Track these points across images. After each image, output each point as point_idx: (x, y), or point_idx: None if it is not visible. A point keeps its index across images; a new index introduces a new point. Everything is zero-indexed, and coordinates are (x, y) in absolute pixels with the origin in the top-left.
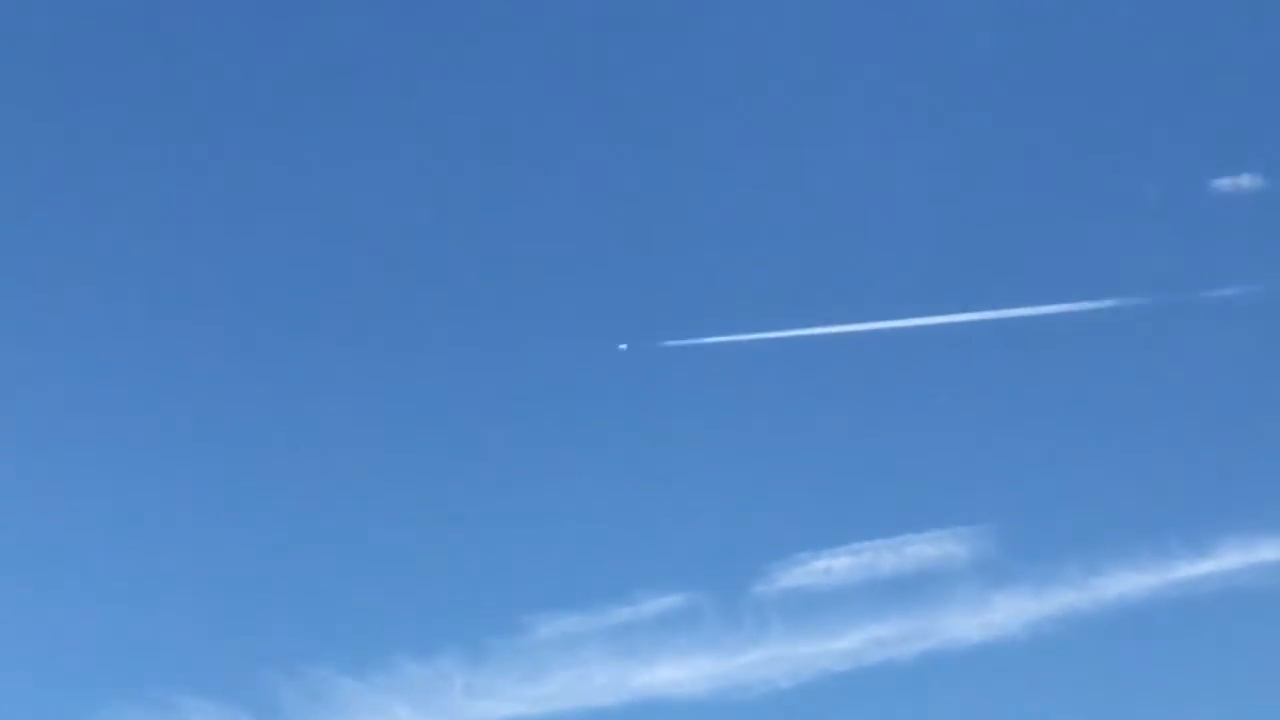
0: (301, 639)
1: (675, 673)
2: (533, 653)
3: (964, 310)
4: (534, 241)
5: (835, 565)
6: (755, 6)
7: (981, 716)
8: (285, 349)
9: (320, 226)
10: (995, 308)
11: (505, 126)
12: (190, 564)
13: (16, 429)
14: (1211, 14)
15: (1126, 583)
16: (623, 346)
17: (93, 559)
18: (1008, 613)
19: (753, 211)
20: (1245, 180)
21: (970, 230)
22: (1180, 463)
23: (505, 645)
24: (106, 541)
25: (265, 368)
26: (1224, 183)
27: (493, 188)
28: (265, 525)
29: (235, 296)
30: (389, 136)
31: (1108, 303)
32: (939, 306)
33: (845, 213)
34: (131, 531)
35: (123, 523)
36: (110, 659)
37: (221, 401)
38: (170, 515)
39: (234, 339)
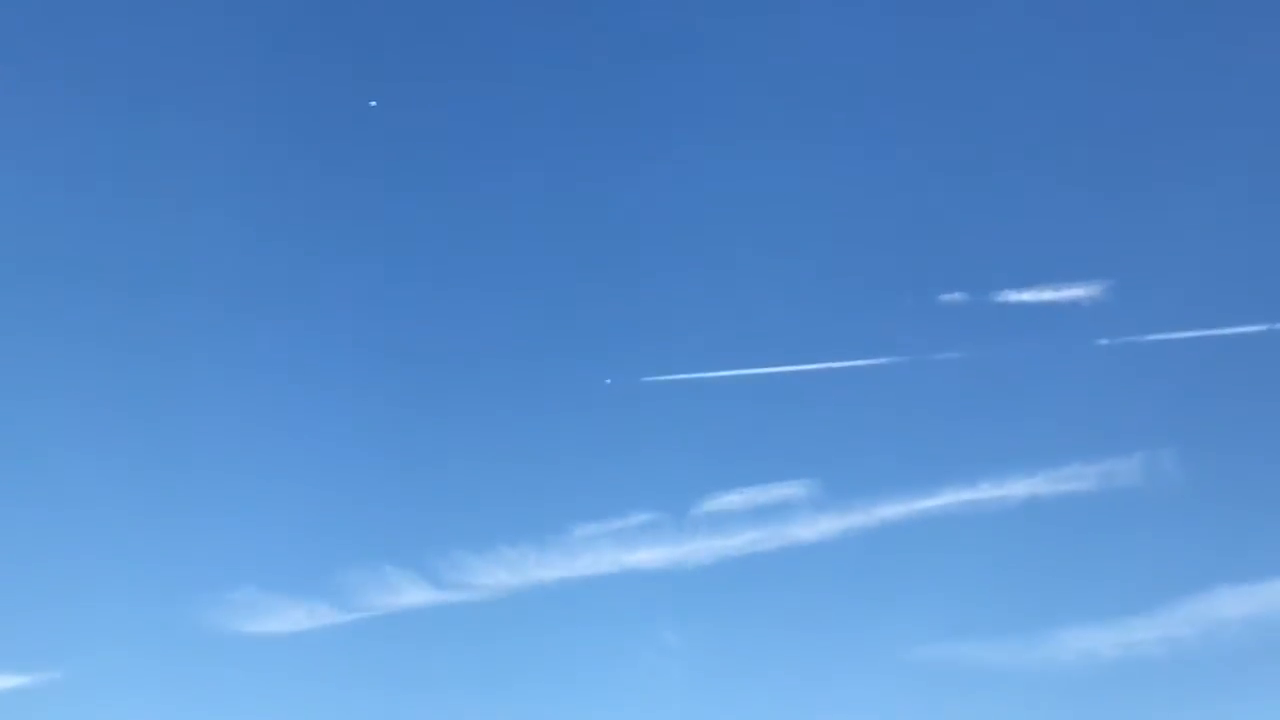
0: (442, 532)
1: (648, 555)
2: (572, 543)
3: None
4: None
5: (734, 498)
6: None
7: (810, 582)
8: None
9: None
10: (839, 360)
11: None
12: (379, 481)
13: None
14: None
15: (892, 510)
16: (608, 381)
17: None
18: (828, 526)
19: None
20: (959, 296)
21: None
22: (922, 441)
23: (558, 539)
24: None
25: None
26: (949, 297)
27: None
28: (426, 458)
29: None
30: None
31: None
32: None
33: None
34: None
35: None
36: (334, 534)
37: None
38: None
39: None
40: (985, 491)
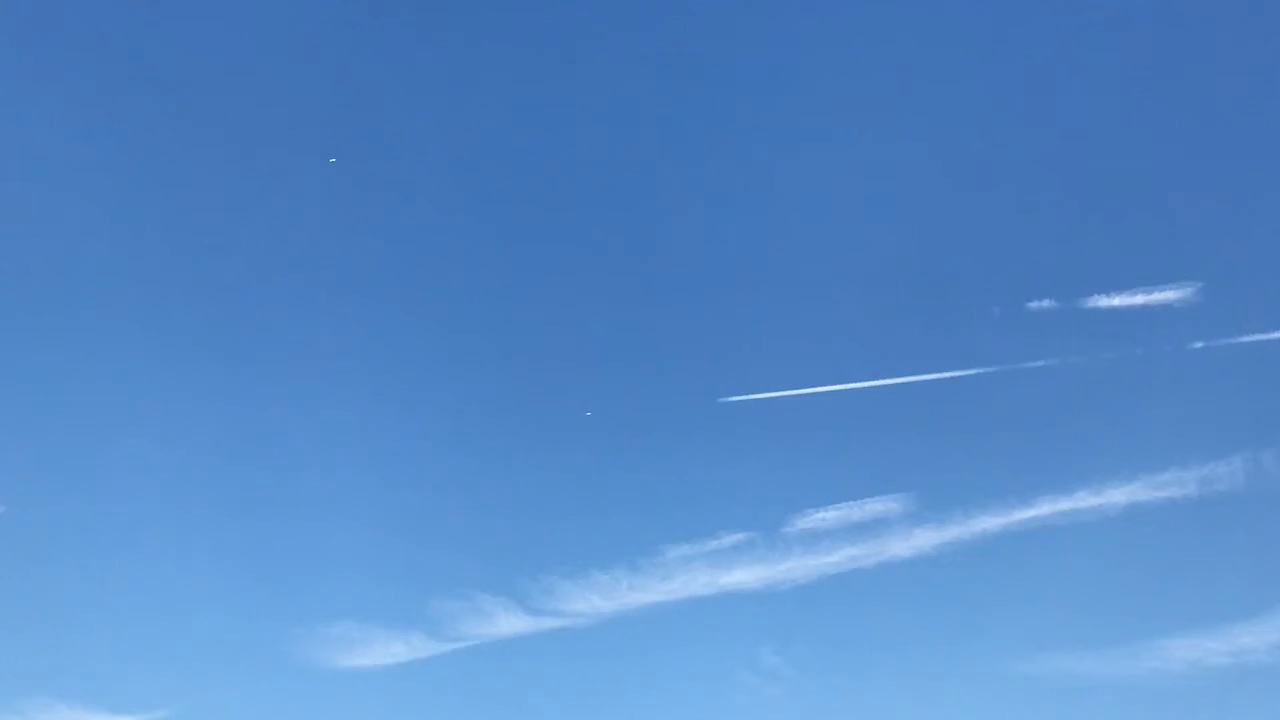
0: (534, 559)
1: (742, 575)
2: (665, 566)
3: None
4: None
5: (828, 515)
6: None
7: (908, 597)
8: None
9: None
10: (928, 372)
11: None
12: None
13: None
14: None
15: (989, 522)
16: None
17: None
18: (925, 540)
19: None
20: (1047, 303)
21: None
22: (1017, 451)
23: (650, 562)
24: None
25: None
26: (1038, 304)
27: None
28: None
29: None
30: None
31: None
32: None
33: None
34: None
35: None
36: (427, 564)
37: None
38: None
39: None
40: (1083, 500)
